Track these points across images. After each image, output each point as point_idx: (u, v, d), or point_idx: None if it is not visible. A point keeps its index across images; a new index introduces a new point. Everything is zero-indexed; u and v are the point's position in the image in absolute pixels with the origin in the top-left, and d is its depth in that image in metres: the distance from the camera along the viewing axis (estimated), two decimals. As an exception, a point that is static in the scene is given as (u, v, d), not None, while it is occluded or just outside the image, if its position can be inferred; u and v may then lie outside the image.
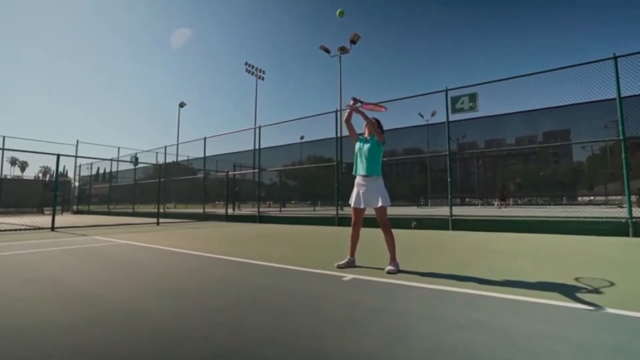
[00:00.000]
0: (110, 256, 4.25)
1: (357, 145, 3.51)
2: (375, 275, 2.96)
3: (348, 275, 2.98)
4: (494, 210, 12.58)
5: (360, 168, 3.39)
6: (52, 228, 8.25)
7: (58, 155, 8.60)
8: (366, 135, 3.54)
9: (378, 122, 3.49)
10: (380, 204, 3.21)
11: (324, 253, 4.52)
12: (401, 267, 3.21)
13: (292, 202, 20.20)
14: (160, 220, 12.48)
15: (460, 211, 8.72)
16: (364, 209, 3.40)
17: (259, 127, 12.58)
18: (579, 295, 2.29)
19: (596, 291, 2.38)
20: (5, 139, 20.98)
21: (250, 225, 10.32)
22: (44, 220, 11.09)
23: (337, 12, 4.55)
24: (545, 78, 7.29)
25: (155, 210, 15.16)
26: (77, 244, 5.51)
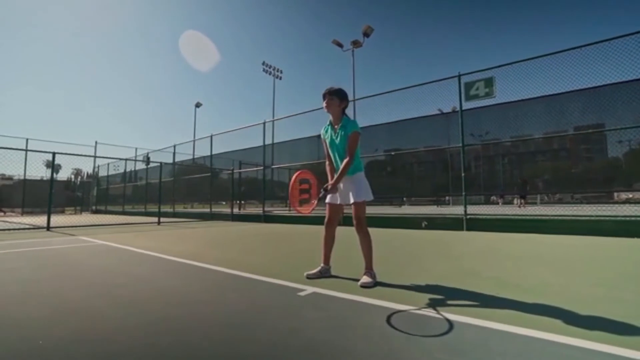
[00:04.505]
0: (66, 259, 3.81)
1: (327, 135, 2.75)
2: (345, 290, 2.31)
3: (309, 289, 2.35)
4: (515, 209, 11.50)
5: (336, 165, 2.71)
6: (48, 227, 8.08)
7: (54, 154, 8.43)
8: (333, 122, 2.72)
9: (340, 96, 2.66)
10: (358, 198, 2.55)
11: (305, 257, 3.90)
12: (389, 276, 2.56)
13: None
14: (166, 220, 12.28)
15: (482, 210, 7.83)
16: (341, 206, 2.76)
17: (264, 123, 12.13)
18: None
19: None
20: (29, 141, 21.68)
21: (252, 224, 9.83)
22: (56, 219, 11.02)
23: None
24: (577, 59, 6.30)
25: (167, 209, 15.15)
26: (52, 244, 5.16)
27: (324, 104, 2.67)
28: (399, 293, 2.24)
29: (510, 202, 18.82)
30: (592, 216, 5.70)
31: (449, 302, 2.03)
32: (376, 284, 2.43)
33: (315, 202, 2.72)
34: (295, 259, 3.86)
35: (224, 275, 2.91)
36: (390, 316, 1.78)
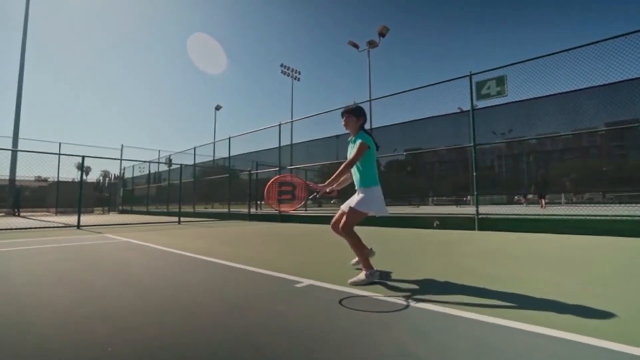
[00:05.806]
0: (90, 253, 4.14)
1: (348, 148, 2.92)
2: (340, 283, 2.46)
3: (306, 281, 2.52)
4: (538, 209, 11.20)
5: (351, 175, 2.85)
6: (78, 226, 8.63)
7: (83, 157, 9.00)
8: (351, 136, 2.89)
9: (357, 114, 2.81)
10: (353, 204, 2.63)
11: (310, 253, 4.07)
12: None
13: (332, 202, 19.83)
14: (187, 219, 12.79)
15: (503, 210, 7.70)
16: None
17: (280, 125, 12.42)
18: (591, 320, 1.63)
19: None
20: (62, 145, 22.89)
21: (267, 224, 10.10)
22: (85, 219, 11.70)
23: None
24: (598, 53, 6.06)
25: (188, 209, 15.72)
26: (79, 240, 5.57)
27: (343, 122, 2.85)
28: (389, 286, 2.36)
29: (536, 202, 18.21)
30: (609, 216, 5.56)
31: (433, 294, 2.13)
32: (370, 282, 2.46)
33: (302, 202, 2.88)
34: (300, 255, 4.03)
35: (231, 269, 3.12)
36: (343, 299, 1.99)
